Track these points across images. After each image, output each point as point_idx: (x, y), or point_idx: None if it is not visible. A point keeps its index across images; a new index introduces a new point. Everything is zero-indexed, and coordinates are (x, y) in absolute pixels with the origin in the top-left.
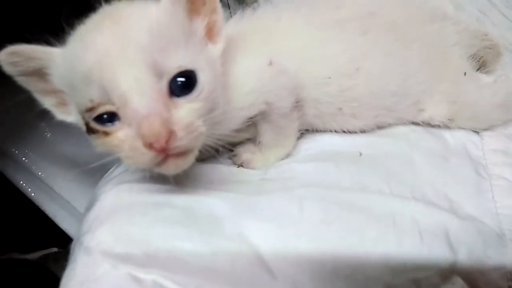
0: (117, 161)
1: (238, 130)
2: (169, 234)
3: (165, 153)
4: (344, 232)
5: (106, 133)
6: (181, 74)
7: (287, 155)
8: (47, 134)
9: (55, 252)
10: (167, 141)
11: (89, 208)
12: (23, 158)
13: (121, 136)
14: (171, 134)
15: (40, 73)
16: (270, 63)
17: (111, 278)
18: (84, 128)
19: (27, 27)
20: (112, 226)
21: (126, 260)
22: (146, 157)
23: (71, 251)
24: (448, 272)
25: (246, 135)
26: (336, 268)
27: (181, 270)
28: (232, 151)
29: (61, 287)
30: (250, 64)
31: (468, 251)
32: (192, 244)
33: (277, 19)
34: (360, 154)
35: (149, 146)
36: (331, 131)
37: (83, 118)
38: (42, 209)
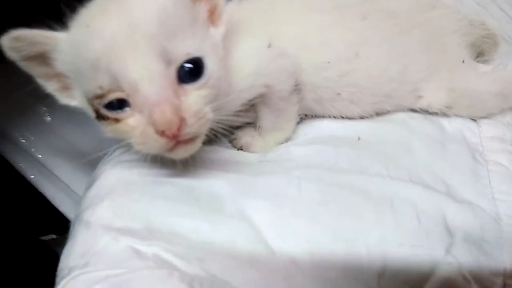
0: (118, 146)
1: (237, 114)
2: (170, 210)
3: (175, 139)
4: (342, 212)
5: (116, 120)
6: (189, 61)
7: (287, 139)
8: (47, 118)
9: (53, 238)
10: (178, 128)
11: (89, 186)
12: (23, 141)
13: (132, 122)
14: (182, 121)
15: (43, 58)
16: (270, 46)
17: (112, 250)
18: (92, 114)
19: (28, 11)
20: (112, 202)
21: (126, 233)
22: (157, 143)
23: (71, 228)
24: (445, 254)
25: (246, 119)
26: (333, 249)
27: (182, 244)
28: (232, 134)
29: (61, 261)
30: (250, 47)
31: (465, 234)
32: (192, 220)
33: (277, 2)
34: (359, 139)
35: (161, 133)
36: (330, 116)
37: (92, 104)
38: (41, 191)
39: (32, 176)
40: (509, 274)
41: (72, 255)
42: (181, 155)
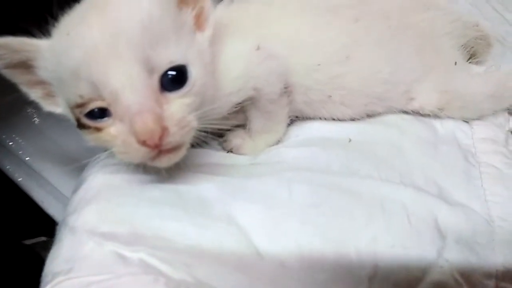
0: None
1: (227, 117)
2: (156, 214)
3: (158, 148)
4: (333, 214)
5: (97, 129)
6: (172, 69)
7: (277, 141)
8: (35, 120)
9: (43, 241)
10: (160, 138)
11: (75, 190)
12: (11, 143)
13: (113, 132)
14: (164, 130)
15: (25, 65)
16: (258, 48)
17: (96, 256)
18: (74, 122)
19: (21, 17)
20: (97, 206)
21: (111, 238)
22: (139, 152)
23: (57, 232)
24: (437, 256)
25: (235, 121)
26: (324, 250)
27: (168, 249)
28: (222, 137)
29: (46, 266)
30: (239, 49)
31: (457, 236)
32: (179, 224)
33: (268, 4)
34: (350, 141)
35: (143, 142)
36: (321, 118)
37: (74, 113)
38: (29, 194)
39: (20, 179)
40: (501, 276)
41: (57, 260)
42: (164, 164)
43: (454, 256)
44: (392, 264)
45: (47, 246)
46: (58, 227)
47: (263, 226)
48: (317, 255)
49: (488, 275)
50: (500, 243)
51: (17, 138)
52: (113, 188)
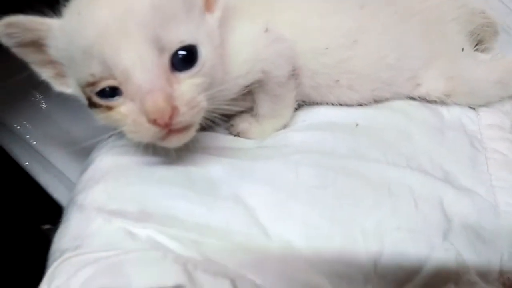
0: (113, 134)
1: (234, 100)
2: (165, 193)
3: (168, 128)
4: (339, 196)
5: (109, 108)
6: (182, 48)
7: (284, 126)
8: (42, 105)
9: (47, 228)
10: (171, 117)
11: (83, 170)
12: (18, 127)
13: (124, 110)
14: (174, 110)
15: (37, 44)
16: (267, 30)
17: (105, 232)
18: (85, 102)
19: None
20: (106, 185)
21: (120, 215)
22: (150, 131)
23: (64, 212)
24: (442, 239)
25: (243, 105)
26: (330, 232)
27: (176, 227)
28: (230, 121)
29: (54, 243)
30: (247, 32)
31: (462, 220)
32: (188, 203)
33: None
34: (357, 125)
35: (153, 121)
36: (328, 103)
37: (85, 92)
38: (35, 178)
39: (27, 163)
40: (506, 260)
41: (65, 237)
42: (174, 144)
43: (459, 240)
44: (398, 246)
45: (51, 233)
46: (65, 207)
47: (270, 207)
48: (324, 237)
49: (493, 259)
50: (505, 228)
51: (24, 122)
52: (121, 168)
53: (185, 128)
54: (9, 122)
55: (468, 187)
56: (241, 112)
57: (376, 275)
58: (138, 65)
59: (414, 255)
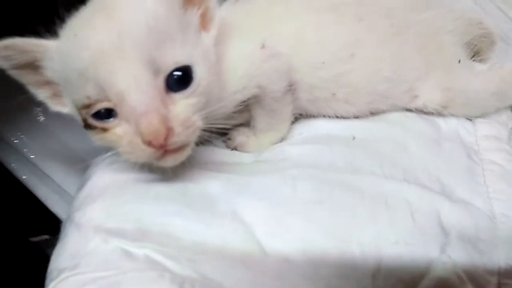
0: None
1: (231, 116)
2: (162, 210)
3: (163, 148)
4: (337, 211)
5: (104, 129)
6: (177, 69)
7: (281, 139)
8: (40, 118)
9: (46, 239)
10: (166, 138)
11: (81, 187)
12: (16, 141)
13: (119, 132)
14: (169, 131)
15: (33, 66)
16: (263, 46)
17: (102, 252)
18: (81, 123)
19: (29, 17)
20: (104, 202)
21: (117, 234)
22: (145, 152)
23: (62, 229)
24: (440, 253)
25: (239, 120)
26: (327, 247)
27: (173, 245)
28: (226, 135)
29: (52, 262)
30: (243, 48)
31: (460, 232)
32: (184, 220)
33: (272, 4)
34: (353, 138)
35: (148, 143)
36: (324, 116)
37: (80, 114)
38: (33, 192)
39: (25, 177)
40: (504, 272)
41: (62, 256)
42: (170, 163)
43: (457, 253)
44: (395, 260)
45: (50, 244)
46: (63, 224)
47: (267, 223)
48: (321, 251)
49: (491, 271)
50: (502, 240)
51: (22, 136)
52: (118, 186)
53: (180, 148)
54: (6, 135)
55: (465, 199)
56: (238, 126)
57: None
58: (133, 87)
59: (412, 268)
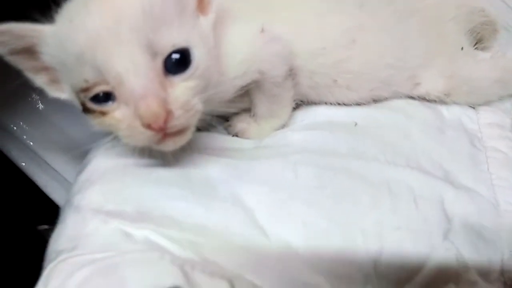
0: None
1: (231, 101)
2: (162, 193)
3: (163, 132)
4: (338, 196)
5: (103, 113)
6: (175, 52)
7: (282, 126)
8: (39, 105)
9: (45, 229)
10: (165, 121)
11: (80, 171)
12: (15, 128)
13: (118, 115)
14: (168, 114)
15: (30, 51)
16: (262, 31)
17: (101, 233)
18: (80, 107)
19: (25, 3)
20: (103, 186)
21: (117, 216)
22: (145, 136)
23: (61, 213)
24: (443, 239)
25: (240, 105)
26: (329, 232)
27: (174, 228)
28: (227, 121)
29: (51, 245)
30: (243, 33)
31: (463, 219)
32: (185, 204)
33: None
34: (356, 124)
35: (148, 126)
36: (326, 103)
37: (79, 98)
38: (32, 179)
39: (24, 164)
40: (507, 259)
41: (61, 239)
42: (170, 147)
43: (460, 239)
44: (398, 246)
45: (48, 233)
46: (62, 208)
47: (268, 208)
48: (323, 237)
49: (494, 258)
50: (506, 227)
51: (21, 123)
52: (118, 169)
53: (180, 131)
54: (5, 122)
55: (469, 186)
56: (239, 112)
57: (376, 275)
58: (131, 70)
59: (414, 255)
